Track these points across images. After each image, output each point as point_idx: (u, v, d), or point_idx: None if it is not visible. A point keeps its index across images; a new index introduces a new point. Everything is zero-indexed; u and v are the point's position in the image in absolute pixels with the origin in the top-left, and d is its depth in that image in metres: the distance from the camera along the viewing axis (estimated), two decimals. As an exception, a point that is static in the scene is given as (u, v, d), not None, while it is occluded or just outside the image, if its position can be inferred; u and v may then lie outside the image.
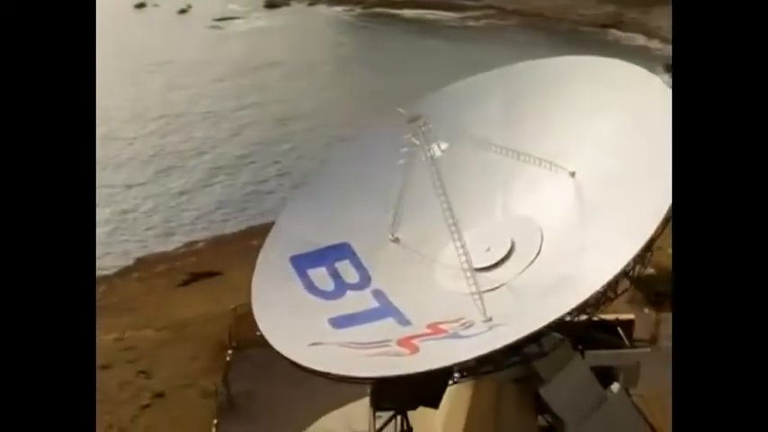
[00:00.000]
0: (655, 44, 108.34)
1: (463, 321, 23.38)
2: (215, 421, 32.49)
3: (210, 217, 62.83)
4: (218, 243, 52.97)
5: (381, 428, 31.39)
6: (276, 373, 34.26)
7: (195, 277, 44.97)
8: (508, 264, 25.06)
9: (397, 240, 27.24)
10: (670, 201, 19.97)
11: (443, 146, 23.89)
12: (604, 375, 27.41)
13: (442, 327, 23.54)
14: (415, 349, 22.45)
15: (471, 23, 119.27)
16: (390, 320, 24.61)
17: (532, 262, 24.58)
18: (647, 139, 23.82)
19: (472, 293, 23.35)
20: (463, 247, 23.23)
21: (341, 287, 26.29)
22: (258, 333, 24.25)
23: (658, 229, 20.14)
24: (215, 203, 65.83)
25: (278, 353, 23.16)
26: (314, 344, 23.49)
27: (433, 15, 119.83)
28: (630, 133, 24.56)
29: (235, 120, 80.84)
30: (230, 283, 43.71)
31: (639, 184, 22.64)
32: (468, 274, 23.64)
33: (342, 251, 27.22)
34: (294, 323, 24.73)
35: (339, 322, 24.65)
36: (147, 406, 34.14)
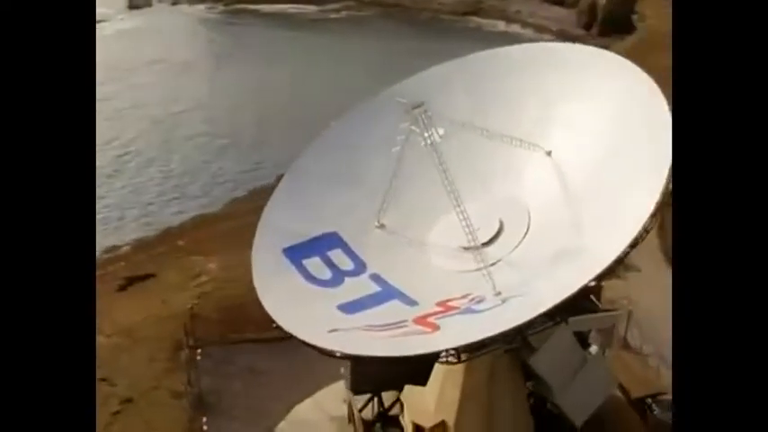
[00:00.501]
0: (515, 29, 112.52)
1: (472, 297, 24.71)
2: (204, 419, 32.69)
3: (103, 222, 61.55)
4: (142, 246, 52.30)
5: (361, 410, 32.42)
6: (236, 368, 34.90)
7: (131, 281, 44.46)
8: (499, 242, 26.56)
9: (382, 227, 28.27)
10: (667, 169, 21.93)
11: (441, 132, 24.98)
12: (580, 339, 29.37)
13: (451, 304, 24.79)
14: (435, 327, 23.59)
15: (333, 16, 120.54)
16: (396, 302, 25.67)
17: (524, 238, 26.17)
18: (623, 117, 25.86)
19: (479, 269, 24.73)
20: (470, 227, 24.56)
21: (338, 275, 27.12)
22: (275, 326, 24.82)
23: (662, 196, 21.92)
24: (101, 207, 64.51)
25: (302, 342, 23.89)
26: (333, 330, 24.31)
27: (295, 9, 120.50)
28: (605, 113, 26.51)
29: (115, 122, 79.09)
30: (167, 284, 43.54)
31: (628, 161, 24.54)
32: (476, 251, 25.14)
33: (331, 240, 28.03)
34: (306, 313, 25.42)
35: (348, 308, 25.53)
36: (118, 412, 33.87)
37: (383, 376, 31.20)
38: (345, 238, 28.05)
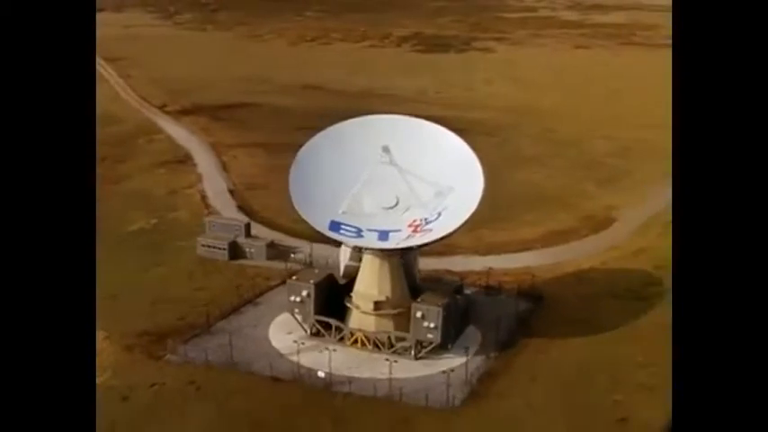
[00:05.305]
0: None
1: (420, 219, 57.12)
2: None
3: None
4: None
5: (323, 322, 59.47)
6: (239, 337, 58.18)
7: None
8: (400, 205, 58.86)
9: (344, 213, 57.53)
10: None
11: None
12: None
13: (414, 224, 56.84)
14: (429, 230, 55.60)
15: None
16: (392, 233, 56.45)
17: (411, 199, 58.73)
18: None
19: (408, 210, 57.59)
20: (414, 197, 57.18)
21: (356, 232, 56.05)
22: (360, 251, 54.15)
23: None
24: None
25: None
26: (399, 242, 54.53)
27: None
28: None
29: None
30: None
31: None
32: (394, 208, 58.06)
33: (335, 222, 56.36)
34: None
35: (383, 237, 55.46)
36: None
37: (329, 299, 59.55)
38: (337, 219, 56.78)
